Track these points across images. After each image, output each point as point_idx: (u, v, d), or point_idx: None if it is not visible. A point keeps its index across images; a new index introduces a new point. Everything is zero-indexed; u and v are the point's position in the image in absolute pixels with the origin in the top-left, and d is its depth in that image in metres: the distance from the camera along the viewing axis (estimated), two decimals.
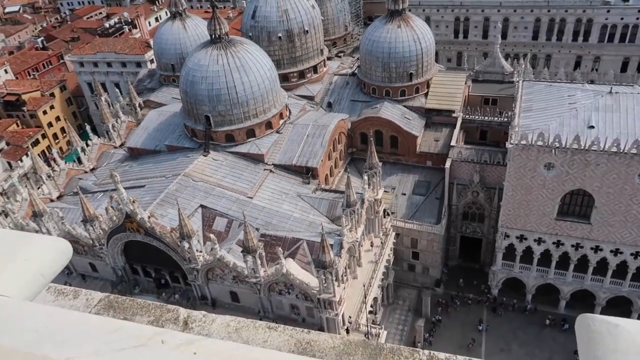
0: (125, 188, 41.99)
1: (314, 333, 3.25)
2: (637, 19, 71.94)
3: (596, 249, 46.46)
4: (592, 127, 42.91)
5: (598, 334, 2.45)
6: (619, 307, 49.04)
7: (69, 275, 49.24)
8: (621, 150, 40.25)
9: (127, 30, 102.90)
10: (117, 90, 73.75)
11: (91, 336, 2.69)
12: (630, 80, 50.43)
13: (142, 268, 46.74)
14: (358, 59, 63.30)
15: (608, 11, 72.58)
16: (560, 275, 49.81)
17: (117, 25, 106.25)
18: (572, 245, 47.09)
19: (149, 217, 40.79)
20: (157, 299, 45.03)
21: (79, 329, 2.76)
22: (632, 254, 45.43)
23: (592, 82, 51.36)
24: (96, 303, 3.83)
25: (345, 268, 41.20)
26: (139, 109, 63.43)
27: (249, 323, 3.34)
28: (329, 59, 65.09)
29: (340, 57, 69.38)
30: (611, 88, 45.64)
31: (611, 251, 45.96)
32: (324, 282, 37.36)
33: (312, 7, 59.94)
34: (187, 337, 2.78)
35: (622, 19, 72.66)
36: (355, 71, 61.86)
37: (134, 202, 40.69)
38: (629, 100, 44.33)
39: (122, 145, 59.10)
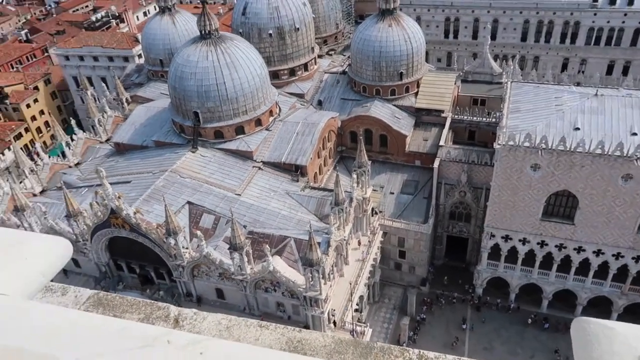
0: (111, 183, 41.50)
1: (305, 332, 3.26)
2: (623, 22, 73.05)
3: (579, 250, 47.17)
4: (578, 129, 43.50)
5: (594, 336, 2.51)
6: (599, 306, 49.88)
7: None
8: (605, 152, 40.87)
9: (115, 24, 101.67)
10: (104, 84, 72.89)
11: (97, 336, 2.65)
12: (616, 83, 51.12)
13: (127, 264, 46.27)
14: (349, 57, 63.31)
15: (595, 14, 73.58)
16: (544, 275, 50.47)
17: (104, 19, 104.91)
18: (556, 246, 47.73)
19: (134, 213, 40.37)
20: (141, 296, 44.61)
21: (83, 329, 2.72)
22: (613, 255, 46.20)
23: (578, 84, 52.08)
24: (85, 300, 3.78)
25: (332, 266, 41.25)
26: (126, 104, 62.71)
27: (240, 321, 3.33)
28: (319, 56, 65.03)
29: (331, 55, 69.36)
30: (597, 90, 46.30)
31: (593, 252, 46.68)
32: (310, 280, 37.35)
33: (304, 5, 59.79)
34: (193, 337, 2.76)
35: (608, 22, 73.72)
36: (346, 69, 61.88)
37: (119, 197, 40.23)
38: (613, 103, 45.03)
39: (108, 140, 58.36)
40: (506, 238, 49.17)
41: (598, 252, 46.56)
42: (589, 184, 42.94)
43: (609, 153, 40.80)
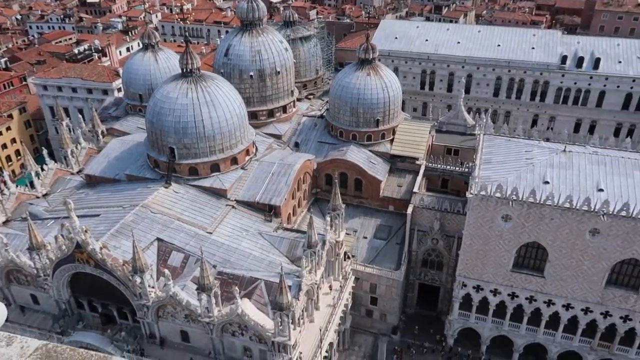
0: (79, 216, 40.26)
1: None
2: (589, 84, 76.93)
3: (549, 303, 47.32)
4: (547, 182, 44.64)
5: None
6: None
7: (7, 307, 45.98)
8: (573, 207, 41.85)
9: (97, 57, 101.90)
10: (80, 116, 72.04)
11: None
12: (582, 140, 53.11)
13: (88, 302, 44.26)
14: (327, 102, 64.51)
15: (563, 75, 77.40)
16: (515, 327, 50.26)
17: (87, 52, 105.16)
18: (527, 298, 47.84)
19: (100, 248, 39.03)
20: (102, 336, 42.59)
21: None
22: (582, 310, 46.46)
23: (547, 140, 53.84)
24: (32, 352, 3.48)
25: (303, 311, 40.29)
26: (101, 137, 61.93)
27: None
28: (298, 100, 66.04)
29: (310, 99, 70.53)
30: (565, 147, 47.96)
31: (563, 305, 46.91)
32: (279, 324, 36.29)
33: (285, 50, 61.17)
34: None
35: (575, 83, 77.55)
36: (324, 114, 62.85)
37: (86, 231, 38.95)
38: (581, 159, 46.60)
39: (79, 172, 57.12)
40: (477, 288, 49.12)
41: (567, 306, 46.79)
42: (558, 236, 43.66)
43: (577, 207, 41.79)
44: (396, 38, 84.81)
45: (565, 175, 45.42)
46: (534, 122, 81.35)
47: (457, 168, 57.54)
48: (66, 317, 44.12)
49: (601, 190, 43.24)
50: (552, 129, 78.94)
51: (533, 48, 79.40)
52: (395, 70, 78.24)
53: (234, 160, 51.23)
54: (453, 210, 51.53)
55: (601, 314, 45.91)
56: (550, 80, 78.12)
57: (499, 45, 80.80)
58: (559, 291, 46.27)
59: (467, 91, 78.69)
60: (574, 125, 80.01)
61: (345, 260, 49.70)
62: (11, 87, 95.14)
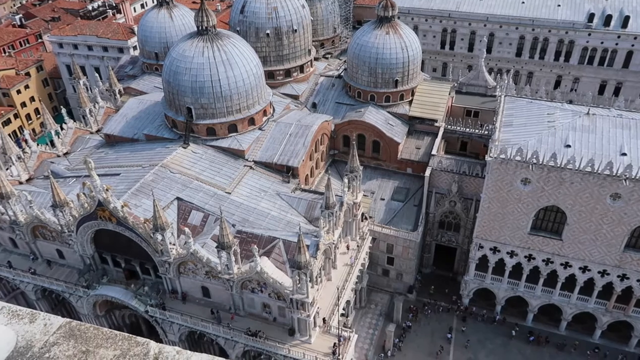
0: (99, 175, 40.85)
1: None
2: (616, 44, 74.05)
3: (566, 265, 47.44)
4: (569, 146, 43.84)
5: None
6: (584, 322, 50.26)
7: (34, 261, 47.64)
8: (595, 171, 41.21)
9: (111, 14, 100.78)
10: (97, 74, 72.01)
11: None
12: (607, 103, 51.73)
13: (112, 257, 45.51)
14: (345, 61, 63.30)
15: (589, 34, 74.48)
16: (530, 288, 50.67)
17: (101, 9, 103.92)
18: (543, 260, 47.98)
19: (122, 207, 39.74)
20: (126, 290, 43.97)
21: None
22: (599, 272, 46.53)
23: (570, 102, 52.58)
24: (55, 330, 3.45)
25: (320, 270, 40.99)
26: (118, 96, 61.99)
27: None
28: (316, 59, 64.92)
29: (327, 58, 69.28)
30: (589, 109, 46.75)
31: (580, 268, 47.00)
32: (297, 282, 37.05)
33: (302, 7, 59.69)
34: None
35: (602, 42, 74.68)
36: (342, 74, 61.82)
37: (107, 190, 39.57)
38: (604, 123, 45.48)
39: (98, 131, 57.60)
40: (494, 250, 49.32)
41: (584, 269, 46.88)
42: (578, 200, 43.24)
43: (599, 172, 41.13)
44: None
45: (587, 138, 44.50)
46: (557, 84, 79.09)
47: (476, 130, 56.65)
48: (91, 271, 45.50)
49: (624, 154, 42.39)
50: (575, 90, 76.84)
51: (559, 5, 76.19)
52: (415, 29, 76.08)
53: (252, 121, 51.05)
54: (471, 173, 51.12)
55: (618, 276, 45.95)
56: (576, 39, 75.30)
57: (523, 2, 77.66)
58: (577, 254, 46.26)
59: (489, 51, 76.47)
60: (598, 86, 77.59)
61: (362, 221, 50.04)
62: (27, 45, 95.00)
